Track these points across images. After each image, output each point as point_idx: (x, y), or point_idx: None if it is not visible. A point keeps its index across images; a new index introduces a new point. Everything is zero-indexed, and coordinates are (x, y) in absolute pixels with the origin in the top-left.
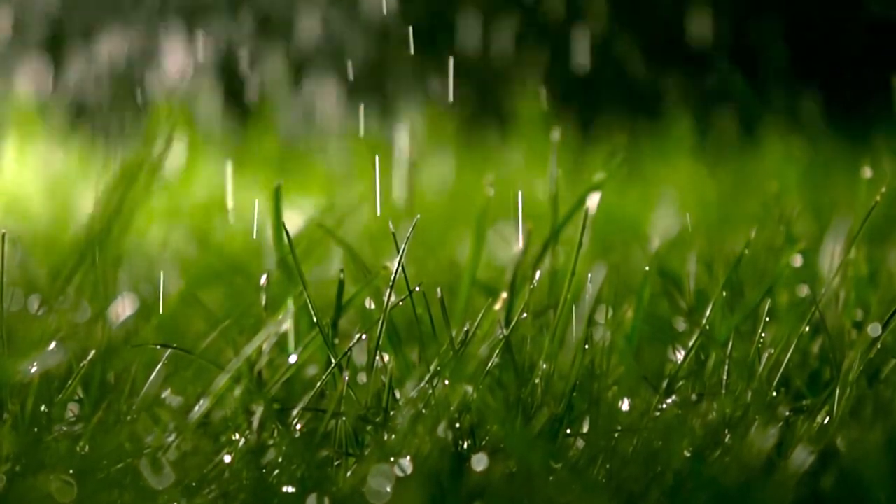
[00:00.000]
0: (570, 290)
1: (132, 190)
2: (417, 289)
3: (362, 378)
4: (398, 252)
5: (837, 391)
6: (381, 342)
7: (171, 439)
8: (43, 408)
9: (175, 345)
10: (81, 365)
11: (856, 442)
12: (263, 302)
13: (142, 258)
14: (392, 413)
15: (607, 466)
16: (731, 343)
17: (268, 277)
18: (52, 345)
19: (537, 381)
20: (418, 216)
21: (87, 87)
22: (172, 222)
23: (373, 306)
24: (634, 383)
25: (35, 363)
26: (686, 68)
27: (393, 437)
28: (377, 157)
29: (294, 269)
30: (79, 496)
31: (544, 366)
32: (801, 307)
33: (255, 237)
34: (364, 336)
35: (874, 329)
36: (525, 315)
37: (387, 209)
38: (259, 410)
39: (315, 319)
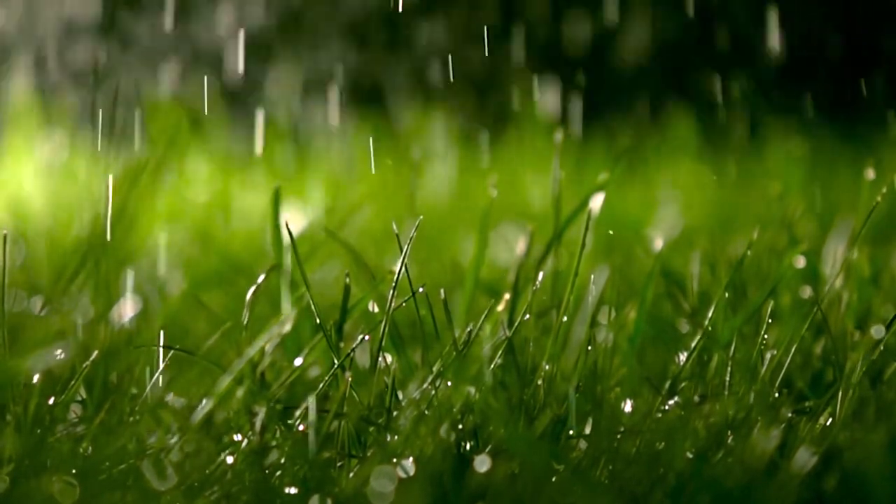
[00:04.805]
0: (573, 291)
1: (135, 191)
2: (420, 290)
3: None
4: (401, 253)
5: (840, 392)
6: (383, 343)
7: (173, 440)
8: (46, 409)
9: (178, 346)
10: (84, 366)
11: (858, 443)
12: (265, 304)
13: (145, 259)
14: (395, 414)
15: (610, 468)
16: (733, 344)
17: (269, 279)
18: (55, 346)
19: (540, 382)
20: (421, 217)
21: (88, 86)
22: (175, 223)
23: (376, 308)
24: (637, 385)
25: (38, 364)
26: (689, 69)
27: (396, 438)
28: (380, 159)
29: (297, 270)
30: (81, 497)
31: (547, 367)
32: (803, 308)
33: (258, 238)
34: (367, 337)
35: (877, 331)
36: (528, 316)
37: (390, 210)
38: (262, 411)
39: (319, 321)
